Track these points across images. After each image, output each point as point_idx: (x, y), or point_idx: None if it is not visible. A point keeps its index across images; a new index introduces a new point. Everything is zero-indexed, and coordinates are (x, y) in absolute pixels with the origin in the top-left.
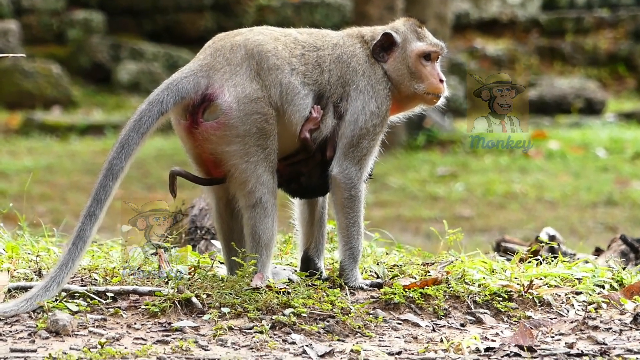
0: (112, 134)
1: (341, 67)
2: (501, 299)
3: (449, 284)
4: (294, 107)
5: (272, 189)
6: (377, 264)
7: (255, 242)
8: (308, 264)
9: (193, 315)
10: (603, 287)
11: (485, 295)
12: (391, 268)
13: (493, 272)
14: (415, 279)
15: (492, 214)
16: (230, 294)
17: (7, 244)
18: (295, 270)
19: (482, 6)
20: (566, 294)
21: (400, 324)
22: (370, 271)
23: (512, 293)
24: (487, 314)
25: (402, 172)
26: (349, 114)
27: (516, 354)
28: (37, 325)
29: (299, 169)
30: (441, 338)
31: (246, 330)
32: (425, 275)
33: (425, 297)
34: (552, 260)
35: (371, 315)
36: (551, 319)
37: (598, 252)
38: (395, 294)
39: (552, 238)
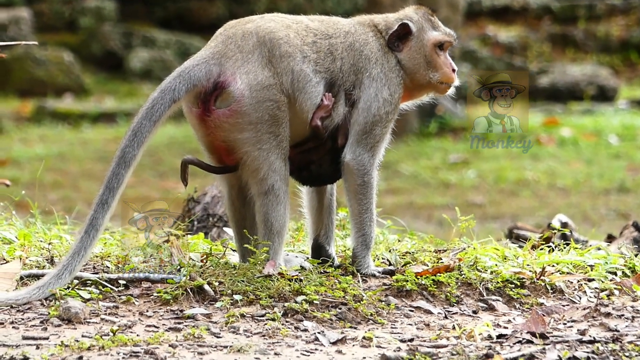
0: (124, 122)
1: (354, 55)
2: (513, 285)
3: (461, 271)
4: (305, 94)
5: (284, 177)
6: (390, 251)
7: (268, 229)
8: (319, 252)
9: (205, 303)
10: (615, 274)
11: (498, 282)
12: (403, 255)
13: (505, 259)
14: (428, 266)
15: (504, 201)
16: (243, 281)
17: (19, 232)
18: (308, 258)
19: None
20: (578, 281)
21: (412, 311)
22: (383, 258)
23: (524, 280)
24: (499, 300)
25: (414, 159)
26: (362, 102)
27: (528, 341)
28: (49, 313)
29: (309, 156)
30: (453, 325)
31: (258, 318)
32: (437, 263)
33: (437, 284)
34: (565, 247)
35: (383, 303)
36: (563, 305)
37: (610, 239)
38: (407, 281)
39: (564, 225)
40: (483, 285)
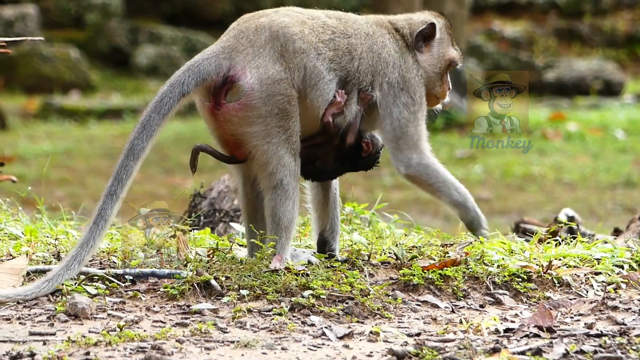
0: (130, 118)
1: (372, 57)
2: (520, 279)
3: (467, 265)
4: (317, 91)
5: (293, 172)
6: (396, 246)
7: (275, 224)
8: (324, 247)
9: (212, 298)
10: (622, 267)
11: (504, 276)
12: (410, 249)
13: (512, 253)
14: (434, 260)
15: (511, 195)
16: (249, 276)
17: (25, 228)
18: (315, 253)
19: None
20: (585, 275)
21: (419, 305)
22: (390, 252)
23: (531, 274)
24: (506, 294)
25: None
26: (382, 108)
27: (535, 335)
28: (56, 309)
29: (315, 151)
30: (460, 319)
31: (265, 313)
32: (444, 257)
33: (444, 278)
34: (571, 241)
35: (390, 297)
36: (570, 299)
37: (617, 232)
38: (414, 275)
39: (571, 219)
40: (490, 279)
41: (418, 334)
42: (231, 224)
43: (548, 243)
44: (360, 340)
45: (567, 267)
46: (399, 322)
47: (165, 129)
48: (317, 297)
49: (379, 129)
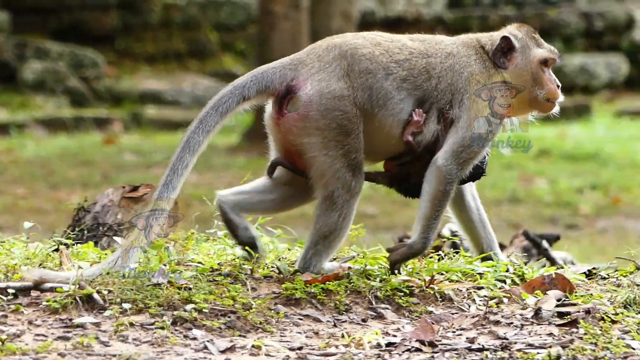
0: (16, 134)
1: (452, 76)
2: (402, 294)
3: (350, 280)
4: (387, 111)
5: (348, 186)
6: (279, 260)
7: (316, 230)
8: None
9: (94, 312)
10: (504, 282)
11: (387, 290)
12: (292, 264)
13: None
14: (317, 274)
15: (396, 211)
16: (132, 289)
17: None
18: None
19: (388, 4)
20: (467, 289)
21: (301, 319)
22: (272, 266)
23: (413, 288)
24: (388, 309)
25: None
26: (462, 120)
27: (417, 349)
28: None
29: (407, 169)
30: (342, 333)
31: (147, 326)
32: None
33: (326, 292)
34: (454, 256)
35: (272, 311)
36: (452, 313)
37: (501, 247)
38: (296, 289)
39: (454, 234)
40: (372, 293)
41: (300, 348)
42: (114, 237)
43: (431, 257)
44: (242, 354)
45: (449, 282)
46: (281, 335)
47: (50, 144)
48: (200, 311)
49: (451, 130)
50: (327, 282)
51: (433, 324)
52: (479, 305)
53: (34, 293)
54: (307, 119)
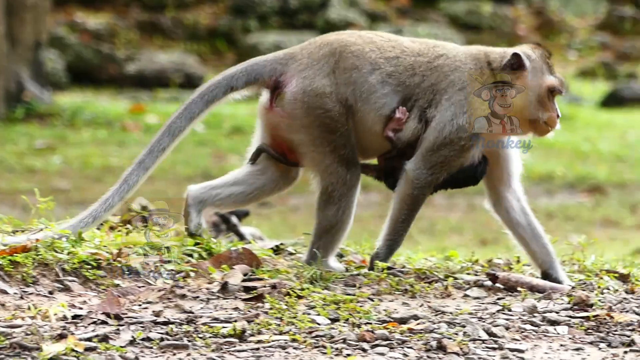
0: None
1: (437, 75)
2: (90, 267)
3: (38, 252)
4: (369, 105)
5: (343, 180)
6: None
7: (317, 224)
8: (549, 280)
9: None
10: (192, 256)
11: (74, 263)
12: None
13: (83, 240)
14: (5, 247)
15: (89, 186)
16: None
17: None
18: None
19: None
20: (155, 263)
21: None
22: None
23: (101, 261)
24: (75, 281)
25: (0, 145)
26: (435, 121)
27: (103, 322)
28: None
29: (393, 164)
30: (29, 306)
31: None
32: (12, 245)
33: (14, 264)
34: (143, 230)
35: None
36: (139, 287)
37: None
38: None
39: (144, 208)
40: (60, 266)
41: None
42: None
43: (119, 231)
44: None
45: (137, 255)
46: None
47: None
48: None
49: (424, 134)
50: (15, 254)
51: (119, 297)
52: (166, 278)
53: None
54: (293, 117)
